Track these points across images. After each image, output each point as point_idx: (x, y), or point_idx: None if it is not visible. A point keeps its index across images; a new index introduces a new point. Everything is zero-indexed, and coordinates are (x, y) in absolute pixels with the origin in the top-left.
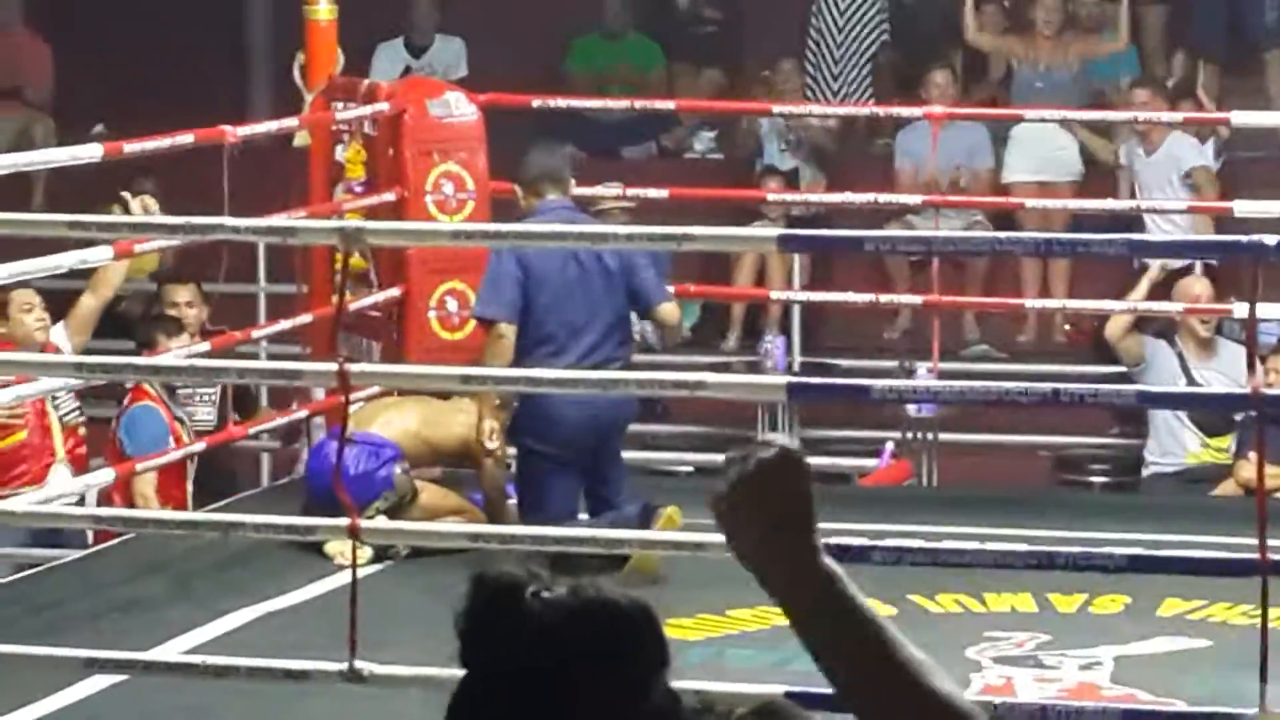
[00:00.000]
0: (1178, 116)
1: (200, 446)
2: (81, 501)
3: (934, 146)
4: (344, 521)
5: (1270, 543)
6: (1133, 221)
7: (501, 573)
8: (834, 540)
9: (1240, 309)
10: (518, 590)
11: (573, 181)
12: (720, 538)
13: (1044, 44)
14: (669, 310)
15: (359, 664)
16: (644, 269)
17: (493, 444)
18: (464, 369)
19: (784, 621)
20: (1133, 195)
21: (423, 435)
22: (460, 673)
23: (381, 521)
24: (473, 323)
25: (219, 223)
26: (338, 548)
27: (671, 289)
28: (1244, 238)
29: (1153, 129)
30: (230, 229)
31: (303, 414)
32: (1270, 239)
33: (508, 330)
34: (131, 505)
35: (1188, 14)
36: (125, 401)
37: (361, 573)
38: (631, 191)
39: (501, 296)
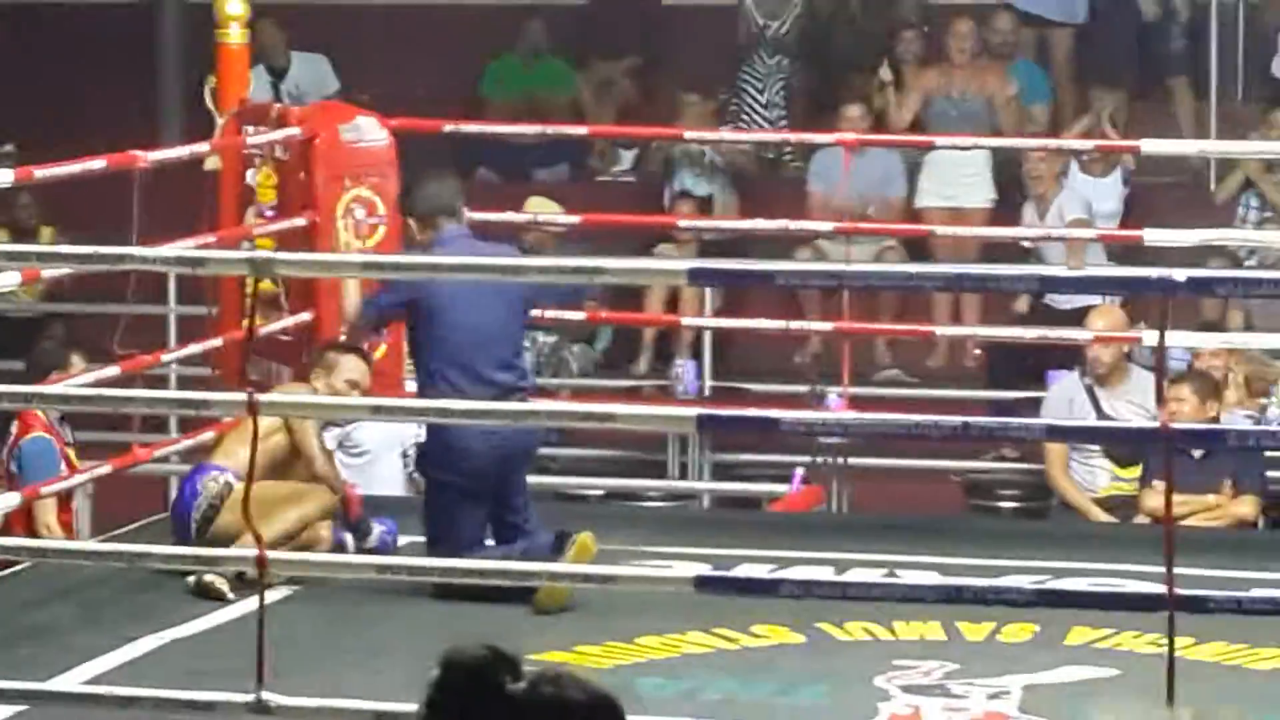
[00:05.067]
0: (1089, 144)
1: (106, 469)
2: None
3: (845, 173)
4: (251, 552)
5: (1178, 571)
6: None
7: (471, 658)
8: (741, 570)
9: (1150, 336)
10: (486, 678)
11: (465, 210)
12: (629, 570)
13: (959, 73)
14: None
15: (265, 695)
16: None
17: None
18: (374, 400)
19: (693, 650)
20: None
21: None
22: (366, 705)
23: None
24: (383, 347)
25: (128, 252)
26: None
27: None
28: (1153, 273)
29: (1044, 186)
30: (139, 259)
31: (209, 435)
32: (1179, 274)
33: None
34: (34, 535)
35: (1096, 41)
36: (14, 431)
37: (268, 599)
38: (544, 216)
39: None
